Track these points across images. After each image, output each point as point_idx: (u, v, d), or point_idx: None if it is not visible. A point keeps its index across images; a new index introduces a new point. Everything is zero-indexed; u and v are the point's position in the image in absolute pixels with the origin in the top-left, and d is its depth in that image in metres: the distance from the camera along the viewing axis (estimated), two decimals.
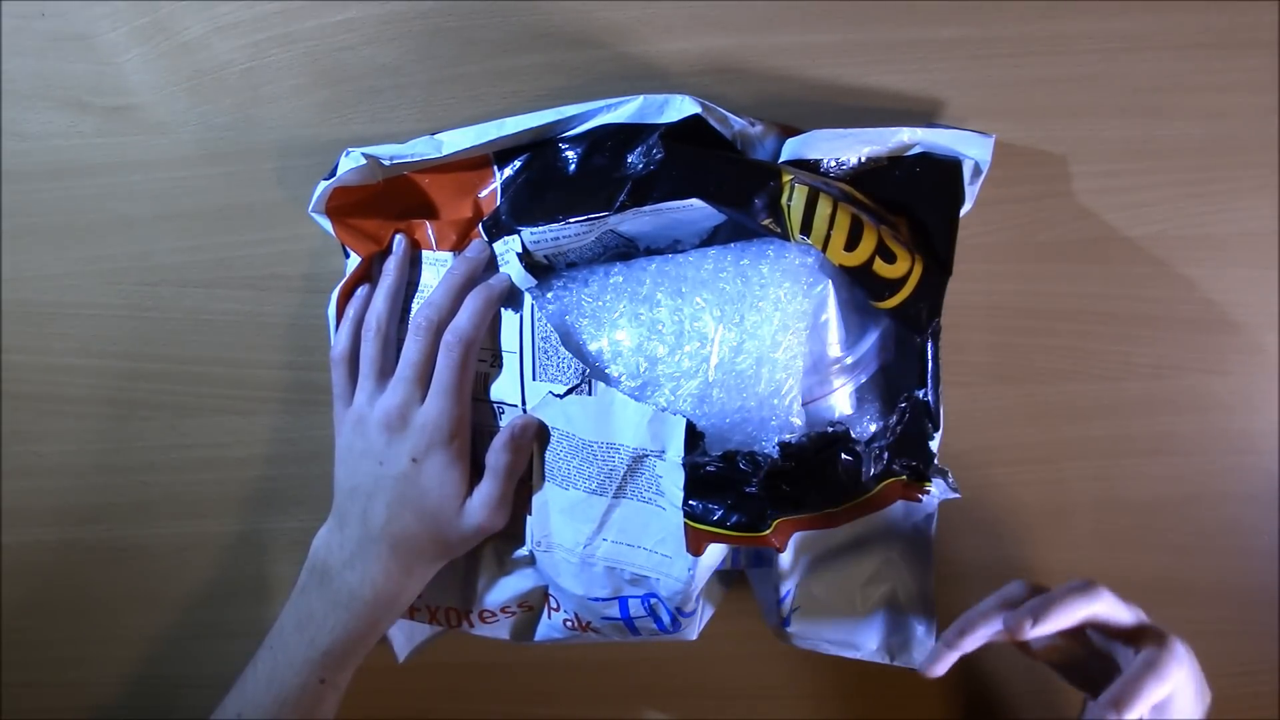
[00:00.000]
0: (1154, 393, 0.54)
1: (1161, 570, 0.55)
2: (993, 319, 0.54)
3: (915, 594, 0.51)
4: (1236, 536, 0.56)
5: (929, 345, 0.47)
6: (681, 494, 0.45)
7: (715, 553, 0.47)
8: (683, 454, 0.44)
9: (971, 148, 0.47)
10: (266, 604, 0.58)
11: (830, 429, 0.46)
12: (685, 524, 0.45)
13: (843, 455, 0.46)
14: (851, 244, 0.44)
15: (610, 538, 0.47)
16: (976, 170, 0.48)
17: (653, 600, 0.48)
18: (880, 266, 0.45)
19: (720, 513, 0.44)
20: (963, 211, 0.48)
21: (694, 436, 0.45)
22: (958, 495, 0.51)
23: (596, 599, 0.49)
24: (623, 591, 0.48)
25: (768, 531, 0.44)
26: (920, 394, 0.48)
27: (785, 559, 0.47)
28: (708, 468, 0.45)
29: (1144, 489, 0.55)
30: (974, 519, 0.56)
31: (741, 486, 0.44)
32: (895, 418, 0.48)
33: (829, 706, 0.59)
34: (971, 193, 0.49)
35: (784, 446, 0.45)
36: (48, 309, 0.56)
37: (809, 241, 0.44)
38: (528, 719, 0.60)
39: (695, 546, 0.45)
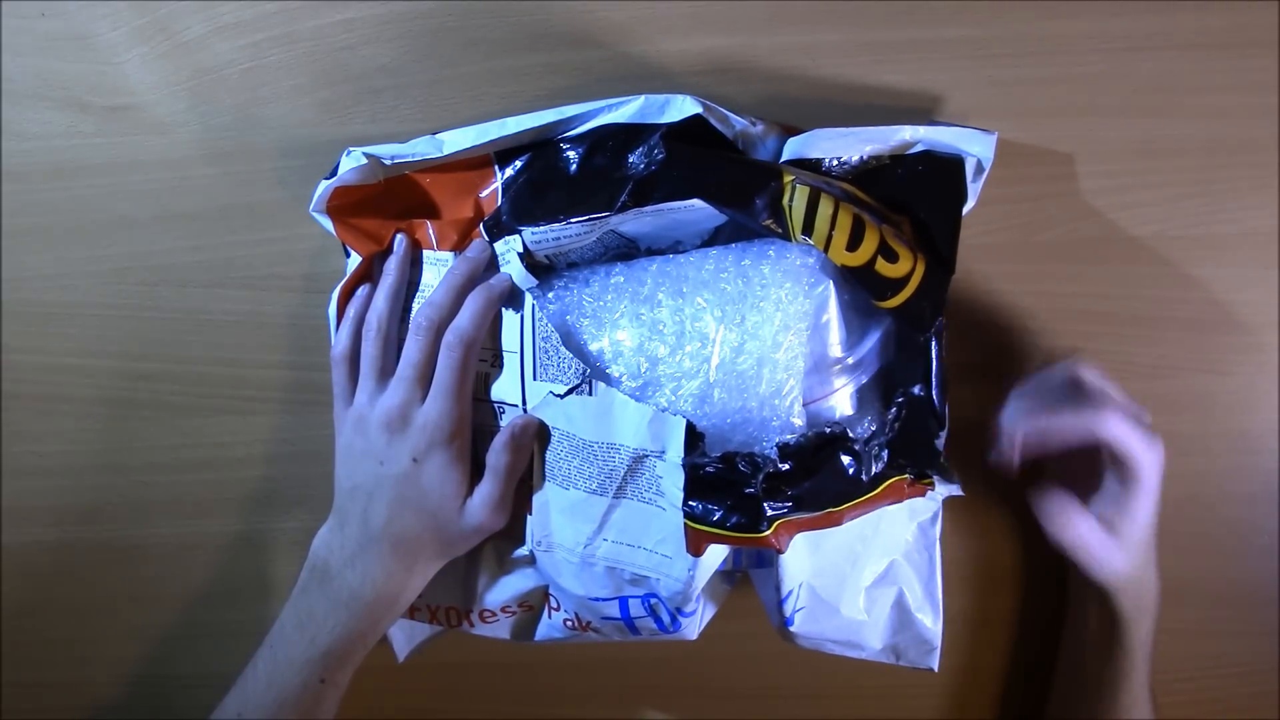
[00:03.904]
0: (1154, 393, 0.54)
1: (1161, 570, 0.55)
2: (993, 319, 0.54)
3: (921, 595, 0.51)
4: (1236, 536, 0.56)
5: (932, 344, 0.47)
6: (681, 494, 0.45)
7: (716, 553, 0.47)
8: (682, 455, 0.44)
9: (974, 145, 0.47)
10: (267, 604, 0.58)
11: (828, 430, 0.46)
12: (685, 524, 0.45)
13: (842, 456, 0.45)
14: (854, 244, 0.44)
15: (611, 538, 0.47)
16: (979, 168, 0.48)
17: (653, 600, 0.48)
18: (882, 266, 0.44)
19: (720, 514, 0.44)
20: (966, 209, 0.48)
21: (694, 437, 0.45)
22: (960, 493, 0.51)
23: (597, 599, 0.49)
24: (623, 591, 0.48)
25: (767, 533, 0.44)
26: (916, 390, 0.47)
27: (787, 559, 0.47)
28: (707, 469, 0.45)
29: None
30: (975, 519, 0.56)
31: (741, 487, 0.44)
32: (892, 414, 0.48)
33: (830, 707, 0.59)
34: (974, 190, 0.49)
35: (782, 448, 0.45)
36: (48, 309, 0.56)
37: (810, 242, 0.44)
38: (528, 719, 0.60)
39: (695, 547, 0.45)
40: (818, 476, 0.45)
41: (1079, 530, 0.48)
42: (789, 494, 0.44)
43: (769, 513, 0.44)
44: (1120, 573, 0.49)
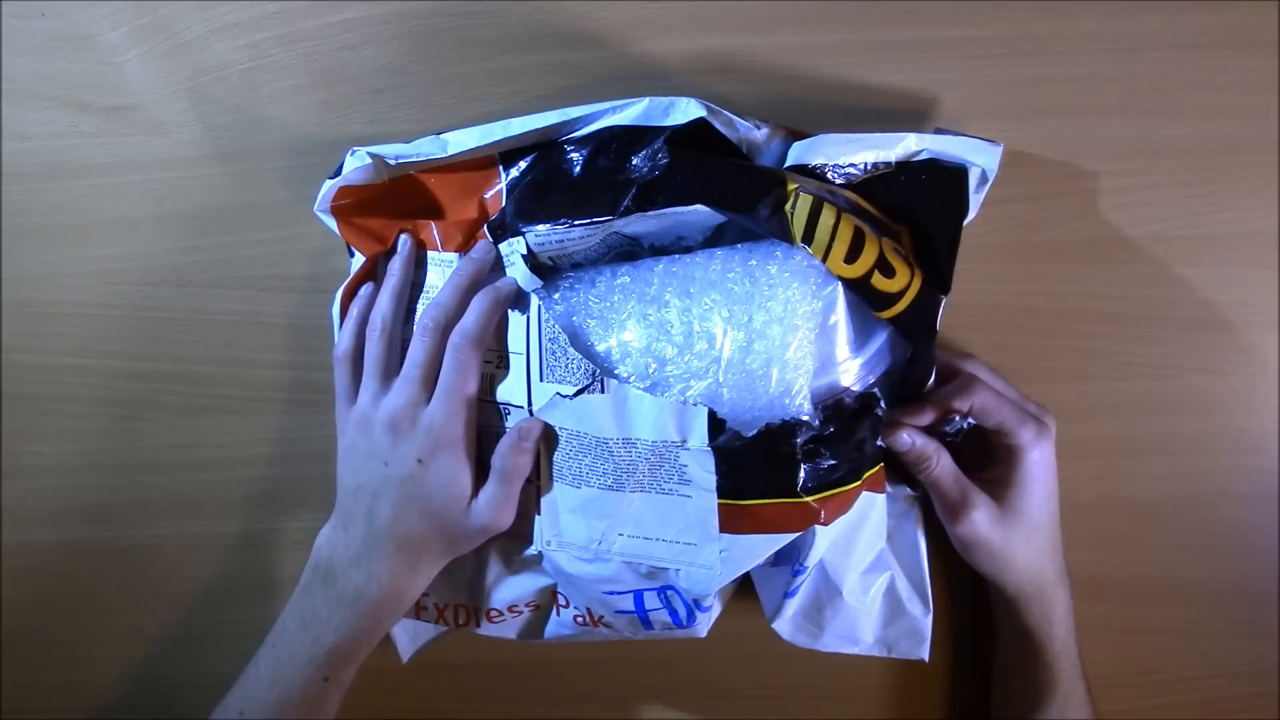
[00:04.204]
0: (1154, 393, 0.54)
1: (1161, 570, 0.55)
2: (993, 319, 0.54)
3: (910, 585, 0.51)
4: (1236, 536, 0.56)
5: (919, 357, 0.48)
6: (713, 477, 0.45)
7: (752, 551, 0.46)
8: (708, 440, 0.44)
9: (979, 155, 0.47)
10: (268, 604, 0.58)
11: (861, 393, 0.47)
12: (719, 504, 0.45)
13: (868, 424, 0.46)
14: (852, 257, 0.44)
15: (627, 532, 0.47)
16: (983, 178, 0.47)
17: (669, 593, 0.48)
18: (879, 280, 0.44)
19: (757, 485, 0.45)
20: (967, 220, 0.48)
21: (717, 423, 0.45)
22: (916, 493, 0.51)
23: (611, 592, 0.49)
24: (638, 585, 0.49)
25: (808, 499, 0.44)
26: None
27: (819, 534, 0.47)
28: (740, 445, 0.45)
29: (1144, 489, 0.55)
30: None
31: (774, 458, 0.45)
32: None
33: (830, 707, 0.59)
34: (976, 202, 0.48)
35: (824, 408, 0.45)
36: (48, 309, 0.56)
37: (810, 250, 0.44)
38: (528, 719, 0.60)
39: (732, 525, 0.45)
40: (850, 441, 0.46)
41: (973, 519, 0.48)
42: (828, 456, 0.45)
43: (805, 479, 0.44)
44: (1018, 572, 0.49)
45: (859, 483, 0.46)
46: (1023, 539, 0.49)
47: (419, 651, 0.56)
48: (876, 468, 0.48)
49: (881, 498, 0.49)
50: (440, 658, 0.57)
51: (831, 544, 0.48)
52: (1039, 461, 0.48)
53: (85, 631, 0.60)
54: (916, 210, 0.47)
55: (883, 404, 0.47)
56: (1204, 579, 0.56)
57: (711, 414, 0.44)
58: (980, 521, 0.48)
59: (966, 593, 0.57)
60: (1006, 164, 0.48)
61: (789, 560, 0.49)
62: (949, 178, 0.47)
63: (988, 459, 0.50)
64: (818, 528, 0.46)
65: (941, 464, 0.48)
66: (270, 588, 0.58)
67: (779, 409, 0.46)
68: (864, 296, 0.45)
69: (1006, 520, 0.49)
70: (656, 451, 0.46)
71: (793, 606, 0.50)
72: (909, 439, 0.48)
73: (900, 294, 0.45)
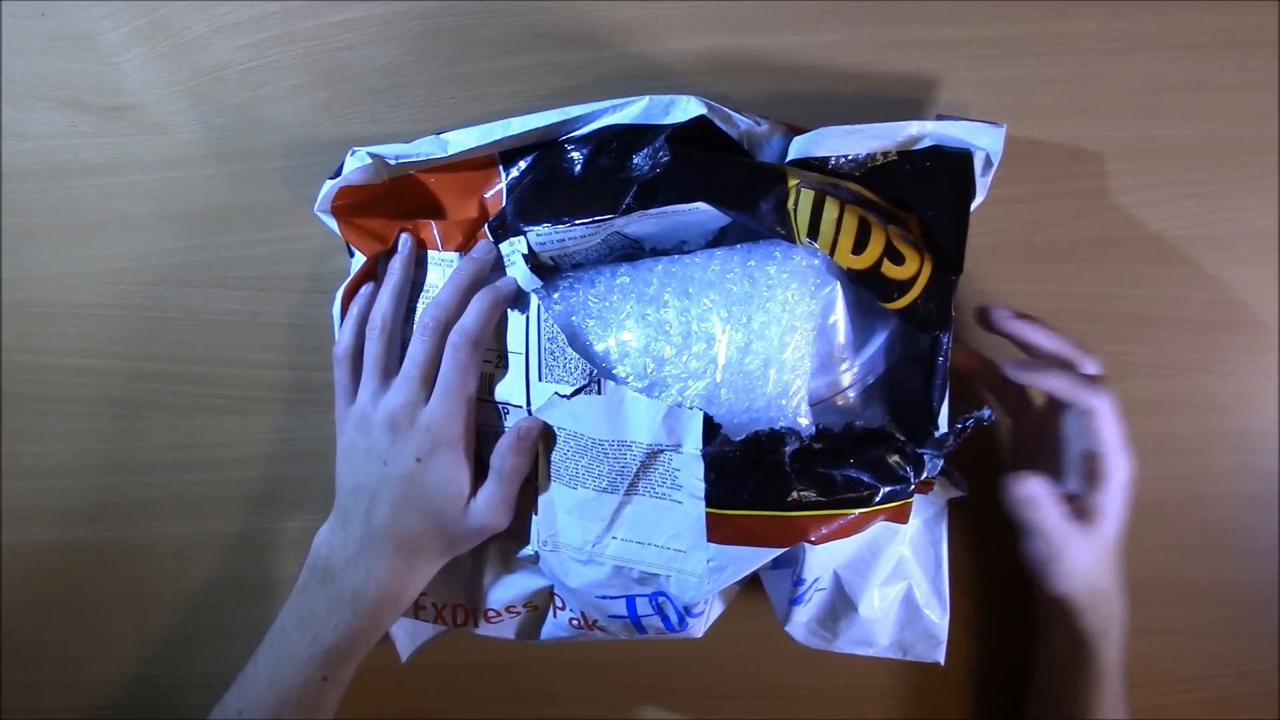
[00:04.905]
0: (1154, 393, 0.54)
1: (1161, 570, 0.55)
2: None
3: (928, 589, 0.51)
4: (1236, 536, 0.56)
5: (940, 345, 0.47)
6: (702, 484, 0.45)
7: (741, 561, 0.46)
8: (701, 446, 0.44)
9: (982, 138, 0.46)
10: (267, 604, 0.58)
11: (873, 426, 0.46)
12: (707, 512, 0.45)
13: (889, 455, 0.45)
14: (859, 247, 0.44)
15: (620, 535, 0.47)
16: (987, 161, 0.47)
17: (661, 599, 0.48)
18: (889, 268, 0.44)
19: (745, 495, 0.44)
20: (975, 204, 0.47)
21: (712, 428, 0.44)
22: (964, 494, 0.51)
23: (603, 596, 0.49)
24: (630, 590, 0.49)
25: (794, 514, 0.44)
26: (986, 415, 0.46)
27: (805, 559, 0.47)
28: (730, 453, 0.44)
29: (1144, 489, 0.55)
30: (977, 519, 0.56)
31: (765, 467, 0.44)
32: (954, 436, 0.47)
33: (830, 707, 0.59)
34: (983, 185, 0.48)
35: (822, 431, 0.45)
36: (48, 309, 0.56)
37: (816, 245, 0.44)
38: (528, 719, 0.60)
39: (719, 534, 0.45)
40: (851, 466, 0.45)
41: (1046, 513, 0.47)
42: (821, 475, 0.44)
43: (794, 494, 0.44)
44: (1083, 575, 0.49)
45: (866, 510, 0.45)
46: (1094, 547, 0.48)
47: (418, 651, 0.56)
48: (899, 502, 0.46)
49: (905, 529, 0.48)
50: (439, 658, 0.57)
51: (847, 564, 0.48)
52: (1123, 488, 0.48)
53: (85, 631, 0.60)
54: (923, 197, 0.46)
55: (900, 438, 0.45)
56: (1204, 579, 0.56)
57: (707, 419, 0.44)
58: (1077, 560, 0.48)
59: (970, 597, 0.57)
60: (1007, 163, 0.48)
61: (789, 566, 0.49)
62: (954, 162, 0.46)
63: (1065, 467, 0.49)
64: (806, 544, 0.46)
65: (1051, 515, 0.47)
66: (269, 588, 0.58)
67: (776, 410, 0.46)
68: (874, 288, 0.45)
69: (1087, 538, 0.48)
70: (651, 454, 0.46)
71: (805, 614, 0.50)
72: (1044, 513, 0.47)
73: (911, 280, 0.45)
